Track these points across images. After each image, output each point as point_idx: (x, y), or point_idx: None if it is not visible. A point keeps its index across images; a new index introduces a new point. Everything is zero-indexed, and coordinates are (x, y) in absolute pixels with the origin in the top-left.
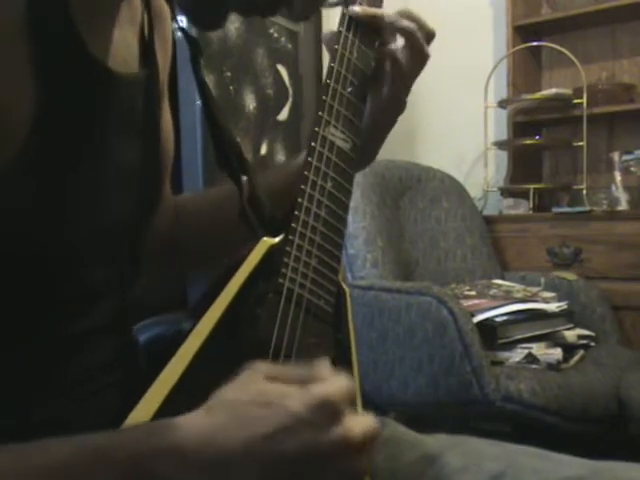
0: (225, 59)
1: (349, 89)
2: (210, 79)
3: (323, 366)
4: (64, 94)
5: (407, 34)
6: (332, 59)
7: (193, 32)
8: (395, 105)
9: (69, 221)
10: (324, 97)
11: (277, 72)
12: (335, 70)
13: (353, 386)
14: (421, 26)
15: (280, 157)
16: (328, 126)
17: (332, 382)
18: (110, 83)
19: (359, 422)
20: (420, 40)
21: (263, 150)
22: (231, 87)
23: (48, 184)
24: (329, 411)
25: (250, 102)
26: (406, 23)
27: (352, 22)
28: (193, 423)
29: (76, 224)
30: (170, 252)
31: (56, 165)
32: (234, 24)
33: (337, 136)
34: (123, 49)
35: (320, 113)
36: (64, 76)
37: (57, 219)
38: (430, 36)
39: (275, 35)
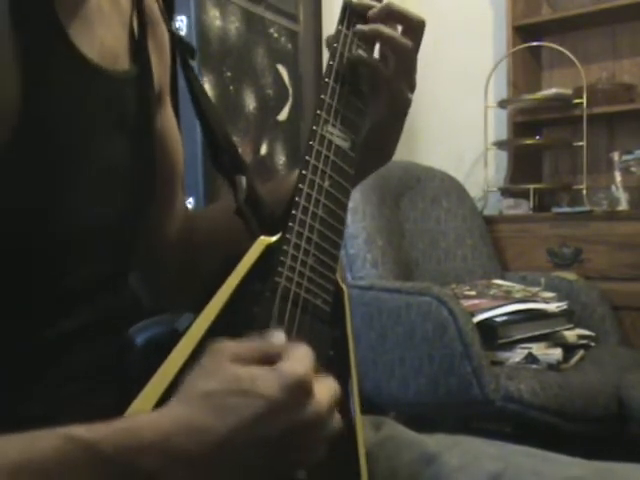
0: (225, 59)
1: (348, 87)
2: (210, 79)
3: (278, 337)
4: (50, 89)
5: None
6: (331, 57)
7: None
8: (398, 101)
9: (56, 217)
10: (322, 95)
11: (277, 72)
12: (334, 68)
13: (311, 351)
14: (406, 18)
15: (280, 157)
16: (326, 124)
17: (297, 356)
18: (96, 78)
19: (324, 390)
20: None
21: (263, 150)
22: (231, 87)
23: (33, 179)
24: (302, 390)
25: (250, 102)
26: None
27: (351, 19)
28: (174, 416)
29: (63, 221)
30: (187, 260)
31: (41, 160)
32: (234, 24)
33: (335, 134)
34: (112, 47)
35: (318, 111)
36: (50, 71)
37: (42, 215)
38: (420, 25)
39: (275, 35)
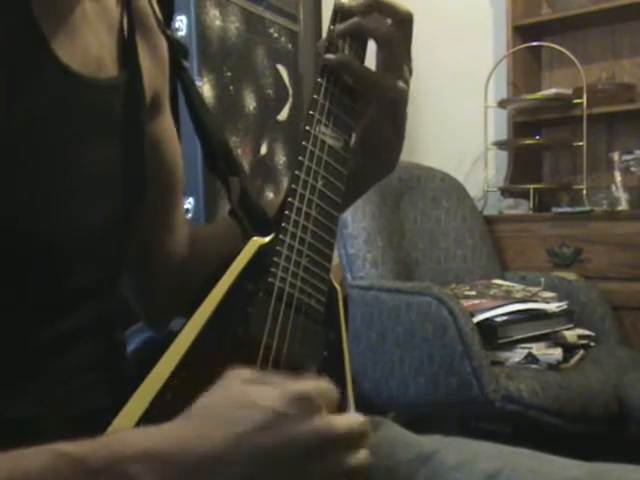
0: (225, 59)
1: (340, 87)
2: (210, 79)
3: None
4: (28, 97)
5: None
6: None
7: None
8: (388, 97)
9: (47, 223)
10: (315, 95)
11: (277, 72)
12: (326, 68)
13: (333, 389)
14: (393, 10)
15: (280, 157)
16: (319, 125)
17: (309, 380)
18: (78, 87)
19: (343, 417)
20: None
21: (263, 150)
22: (231, 87)
23: (11, 186)
24: (305, 403)
25: (250, 102)
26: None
27: (342, 20)
28: (169, 429)
29: (55, 226)
30: (188, 274)
31: (19, 166)
32: (234, 24)
33: (328, 134)
34: (97, 54)
35: (311, 112)
36: (29, 80)
37: (27, 221)
38: (408, 17)
39: (275, 35)
